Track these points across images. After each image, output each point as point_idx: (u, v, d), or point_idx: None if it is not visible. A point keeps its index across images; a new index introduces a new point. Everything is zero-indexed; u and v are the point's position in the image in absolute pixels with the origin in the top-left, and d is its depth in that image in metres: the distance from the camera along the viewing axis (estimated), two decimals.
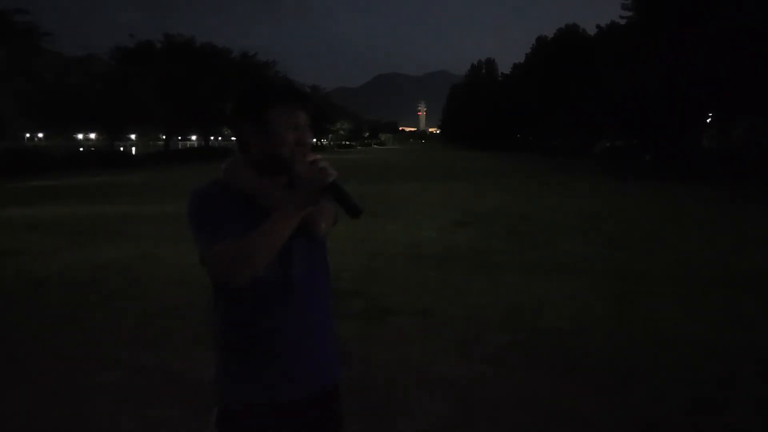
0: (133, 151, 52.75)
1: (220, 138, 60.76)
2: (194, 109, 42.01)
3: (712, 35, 21.76)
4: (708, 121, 32.56)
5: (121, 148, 49.29)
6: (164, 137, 47.86)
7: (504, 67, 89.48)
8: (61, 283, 6.28)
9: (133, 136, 58.07)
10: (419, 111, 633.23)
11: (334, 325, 1.65)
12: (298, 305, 1.51)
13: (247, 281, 1.35)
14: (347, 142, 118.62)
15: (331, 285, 1.66)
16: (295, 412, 1.54)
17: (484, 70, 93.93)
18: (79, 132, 54.02)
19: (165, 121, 42.37)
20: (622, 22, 33.25)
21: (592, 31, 47.21)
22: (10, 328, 4.86)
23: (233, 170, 1.49)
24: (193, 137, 63.88)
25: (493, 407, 3.30)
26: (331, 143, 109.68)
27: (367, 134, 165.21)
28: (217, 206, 1.43)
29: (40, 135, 57.33)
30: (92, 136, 57.15)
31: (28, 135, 55.56)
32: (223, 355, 1.55)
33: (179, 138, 58.41)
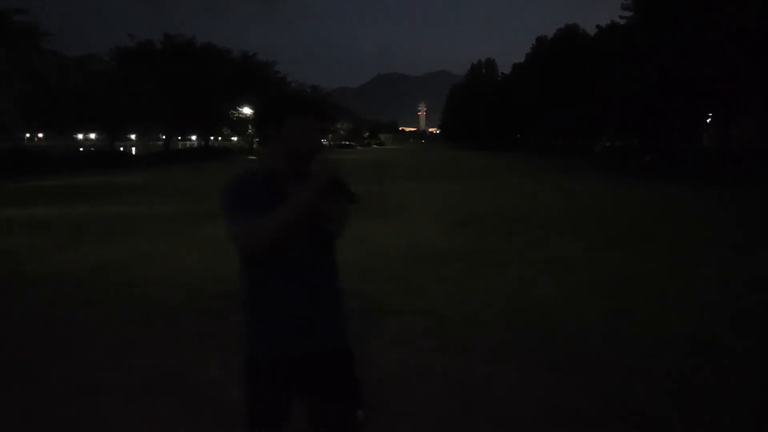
0: (133, 151, 52.72)
1: (219, 138, 60.68)
2: (194, 109, 42.03)
3: (713, 35, 21.76)
4: (708, 121, 32.55)
5: (121, 148, 49.27)
6: (164, 137, 47.84)
7: (504, 67, 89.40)
8: (60, 283, 6.28)
9: (133, 136, 57.99)
10: (419, 111, 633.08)
11: (344, 301, 1.95)
12: (310, 277, 1.82)
13: (262, 253, 1.71)
14: (347, 142, 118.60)
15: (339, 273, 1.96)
16: (308, 364, 1.85)
17: (484, 70, 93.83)
18: (79, 132, 53.95)
19: (165, 121, 42.36)
20: (622, 22, 33.23)
21: (592, 31, 47.20)
22: (10, 327, 4.86)
23: (272, 158, 1.83)
24: (193, 137, 63.80)
25: (494, 407, 3.30)
26: (331, 143, 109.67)
27: (367, 134, 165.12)
28: (246, 191, 1.76)
29: (40, 135, 57.27)
30: (92, 136, 57.10)
31: (28, 135, 55.48)
32: (248, 313, 1.84)
33: (179, 138, 58.35)
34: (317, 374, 1.88)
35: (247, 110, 52.14)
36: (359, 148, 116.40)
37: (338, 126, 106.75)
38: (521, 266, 6.95)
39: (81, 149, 45.08)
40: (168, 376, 3.73)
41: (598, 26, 43.54)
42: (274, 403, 1.86)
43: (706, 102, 26.29)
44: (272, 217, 1.66)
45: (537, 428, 3.08)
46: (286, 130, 1.77)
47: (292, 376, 1.85)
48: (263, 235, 1.66)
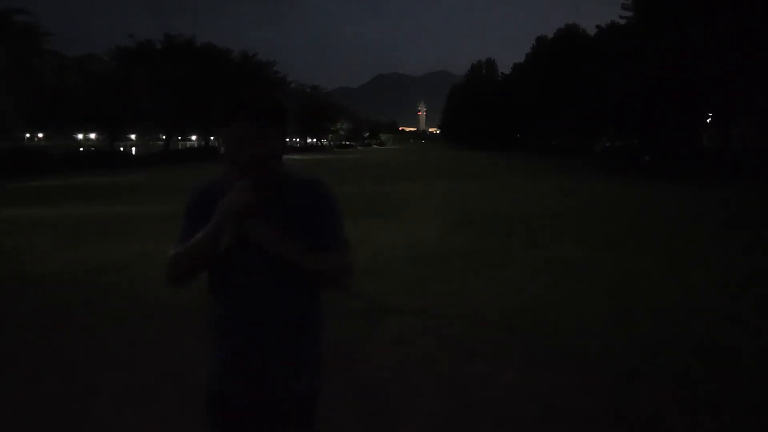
0: (133, 151, 52.72)
1: None
2: (194, 109, 42.03)
3: (713, 35, 21.76)
4: (708, 121, 32.56)
5: (121, 148, 49.27)
6: (164, 137, 47.85)
7: (504, 67, 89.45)
8: (60, 283, 6.28)
9: (133, 136, 57.99)
10: (419, 111, 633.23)
11: (314, 343, 1.65)
12: (254, 310, 1.56)
13: (181, 285, 1.58)
14: (347, 142, 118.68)
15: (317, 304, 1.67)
16: (264, 408, 1.60)
17: (484, 70, 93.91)
18: (79, 132, 53.95)
19: (165, 121, 42.37)
20: (622, 22, 33.27)
21: (592, 31, 47.20)
22: (9, 327, 4.86)
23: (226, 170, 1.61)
24: (193, 137, 63.81)
25: (493, 407, 3.30)
26: (331, 143, 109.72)
27: (367, 134, 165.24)
28: (199, 209, 1.59)
29: (40, 135, 57.27)
30: (92, 136, 57.06)
31: (28, 135, 55.47)
32: (210, 344, 1.67)
33: (179, 138, 58.36)
34: (262, 423, 1.62)
35: None
36: (359, 148, 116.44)
37: (338, 126, 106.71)
38: (521, 266, 6.95)
39: (81, 149, 45.07)
40: (168, 376, 3.73)
41: (598, 26, 43.55)
42: None
43: (706, 102, 26.29)
44: (187, 246, 1.52)
45: (537, 428, 3.08)
46: (222, 139, 1.55)
47: (243, 418, 1.62)
48: (177, 265, 1.54)
